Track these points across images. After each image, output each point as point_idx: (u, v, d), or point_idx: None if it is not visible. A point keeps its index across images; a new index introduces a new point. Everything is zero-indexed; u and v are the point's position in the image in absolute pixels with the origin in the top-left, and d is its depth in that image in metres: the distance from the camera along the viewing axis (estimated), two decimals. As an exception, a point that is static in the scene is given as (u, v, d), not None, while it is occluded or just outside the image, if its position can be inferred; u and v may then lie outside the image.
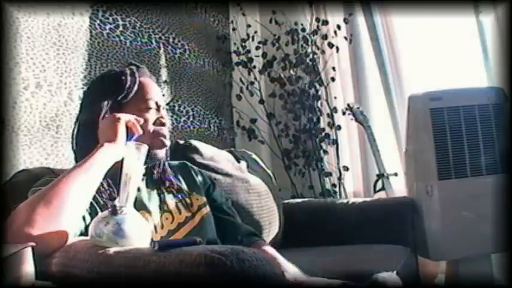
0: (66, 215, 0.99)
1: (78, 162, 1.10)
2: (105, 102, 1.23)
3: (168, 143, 1.30)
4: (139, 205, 1.20)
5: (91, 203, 1.14)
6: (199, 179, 1.45)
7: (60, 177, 1.04)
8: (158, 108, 1.29)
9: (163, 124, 1.28)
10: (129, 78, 1.26)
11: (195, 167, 1.49)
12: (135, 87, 1.26)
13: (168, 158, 1.38)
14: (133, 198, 1.01)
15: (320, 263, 1.49)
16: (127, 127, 1.17)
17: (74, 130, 1.28)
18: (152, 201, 1.27)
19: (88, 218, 1.10)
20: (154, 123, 1.27)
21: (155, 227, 1.22)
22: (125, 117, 1.16)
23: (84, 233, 1.07)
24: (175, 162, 1.46)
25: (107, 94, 1.25)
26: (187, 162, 1.50)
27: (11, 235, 0.94)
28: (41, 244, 0.93)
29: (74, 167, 1.08)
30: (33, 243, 0.93)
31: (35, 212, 0.96)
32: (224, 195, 1.55)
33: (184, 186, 1.38)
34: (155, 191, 1.30)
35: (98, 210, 1.13)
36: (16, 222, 0.96)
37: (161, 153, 1.29)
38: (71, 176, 1.04)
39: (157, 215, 1.24)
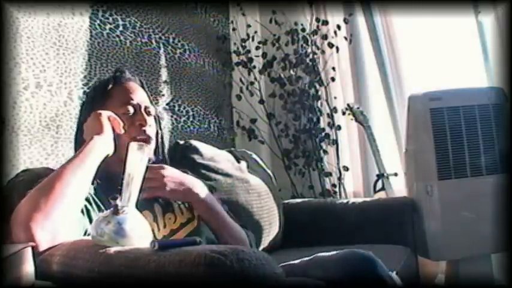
0: (68, 199, 1.05)
1: (72, 156, 1.17)
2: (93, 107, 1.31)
3: (148, 144, 1.30)
4: (142, 205, 1.23)
5: (97, 205, 1.19)
6: None
7: (58, 169, 1.11)
8: (140, 110, 1.32)
9: (142, 125, 1.30)
10: (109, 84, 1.34)
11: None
12: (112, 92, 1.32)
13: (168, 162, 1.41)
14: (135, 199, 1.02)
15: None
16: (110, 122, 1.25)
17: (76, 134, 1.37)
18: (155, 202, 1.31)
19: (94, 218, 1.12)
20: (133, 125, 1.29)
21: (158, 226, 1.27)
22: (105, 113, 1.26)
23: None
24: None
25: (92, 102, 1.34)
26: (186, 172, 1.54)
27: (19, 221, 1.00)
28: (48, 226, 0.99)
29: (69, 160, 1.14)
30: (33, 243, 0.94)
31: (40, 197, 1.03)
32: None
33: None
34: None
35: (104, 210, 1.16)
36: (22, 209, 1.02)
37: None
38: (69, 166, 1.11)
39: (160, 215, 1.30)
